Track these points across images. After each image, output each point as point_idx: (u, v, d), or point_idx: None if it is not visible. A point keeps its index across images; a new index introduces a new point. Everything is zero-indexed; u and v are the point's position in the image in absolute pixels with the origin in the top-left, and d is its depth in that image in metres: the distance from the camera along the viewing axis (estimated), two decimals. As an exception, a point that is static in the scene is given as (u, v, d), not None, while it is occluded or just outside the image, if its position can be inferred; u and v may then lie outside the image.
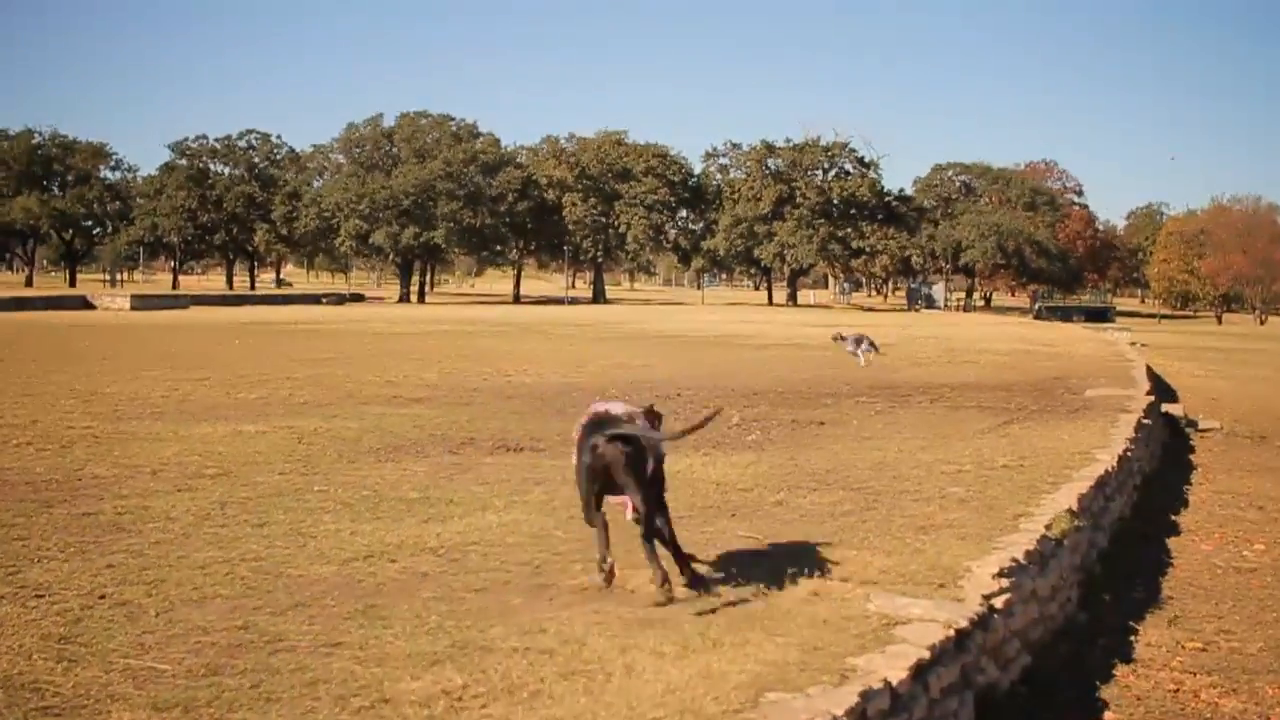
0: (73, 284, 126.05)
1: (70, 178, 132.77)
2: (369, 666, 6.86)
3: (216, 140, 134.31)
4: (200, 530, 10.23)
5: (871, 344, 33.46)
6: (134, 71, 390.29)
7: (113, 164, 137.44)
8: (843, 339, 34.60)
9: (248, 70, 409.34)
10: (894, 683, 6.87)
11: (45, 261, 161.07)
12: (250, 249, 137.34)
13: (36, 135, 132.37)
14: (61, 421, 16.97)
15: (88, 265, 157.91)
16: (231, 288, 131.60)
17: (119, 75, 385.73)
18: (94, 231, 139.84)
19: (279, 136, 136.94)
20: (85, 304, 73.98)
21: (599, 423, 8.73)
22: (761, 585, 8.64)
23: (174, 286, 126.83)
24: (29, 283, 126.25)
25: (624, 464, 8.47)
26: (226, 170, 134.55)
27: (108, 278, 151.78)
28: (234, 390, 21.92)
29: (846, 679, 6.77)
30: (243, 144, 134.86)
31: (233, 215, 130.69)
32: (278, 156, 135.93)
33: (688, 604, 8.22)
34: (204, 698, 6.35)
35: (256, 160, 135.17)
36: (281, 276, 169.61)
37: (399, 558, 9.41)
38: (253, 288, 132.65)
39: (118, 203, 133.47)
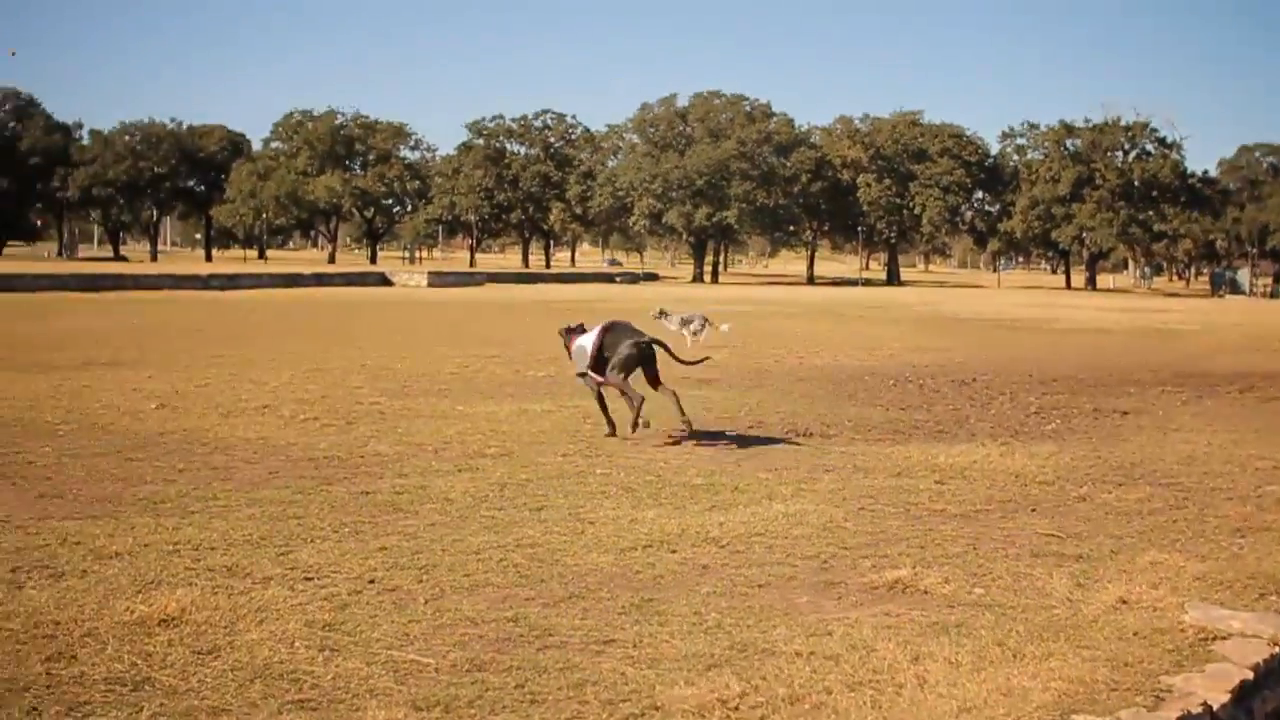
0: (373, 261, 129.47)
1: (371, 157, 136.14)
2: (641, 668, 6.40)
3: (513, 120, 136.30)
4: (477, 513, 9.93)
5: (705, 322, 29.09)
6: (432, 55, 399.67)
7: (412, 144, 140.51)
8: (665, 315, 29.73)
9: (542, 52, 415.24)
10: (1214, 707, 6.15)
11: (348, 239, 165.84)
12: (545, 227, 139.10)
13: (339, 116, 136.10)
14: (349, 397, 17.01)
15: (388, 243, 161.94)
16: (527, 265, 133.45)
17: (419, 59, 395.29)
18: (394, 210, 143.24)
19: (574, 117, 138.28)
20: (384, 281, 75.66)
21: (628, 328, 14.63)
22: (1064, 590, 7.95)
23: (471, 264, 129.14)
24: (332, 259, 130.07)
25: (654, 356, 14.40)
26: (522, 150, 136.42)
27: (407, 255, 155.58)
28: (523, 368, 21.85)
29: (1161, 701, 6.09)
30: (538, 124, 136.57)
31: (528, 194, 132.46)
32: (573, 136, 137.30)
33: (986, 609, 7.57)
34: (466, 696, 5.96)
35: (552, 140, 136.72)
36: (613, 258, 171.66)
37: (679, 548, 8.94)
38: (547, 266, 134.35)
39: (417, 181, 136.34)
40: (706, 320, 29.46)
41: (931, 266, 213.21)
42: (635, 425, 13.96)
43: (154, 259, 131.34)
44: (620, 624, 7.13)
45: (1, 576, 7.65)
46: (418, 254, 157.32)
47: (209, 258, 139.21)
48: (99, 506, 9.80)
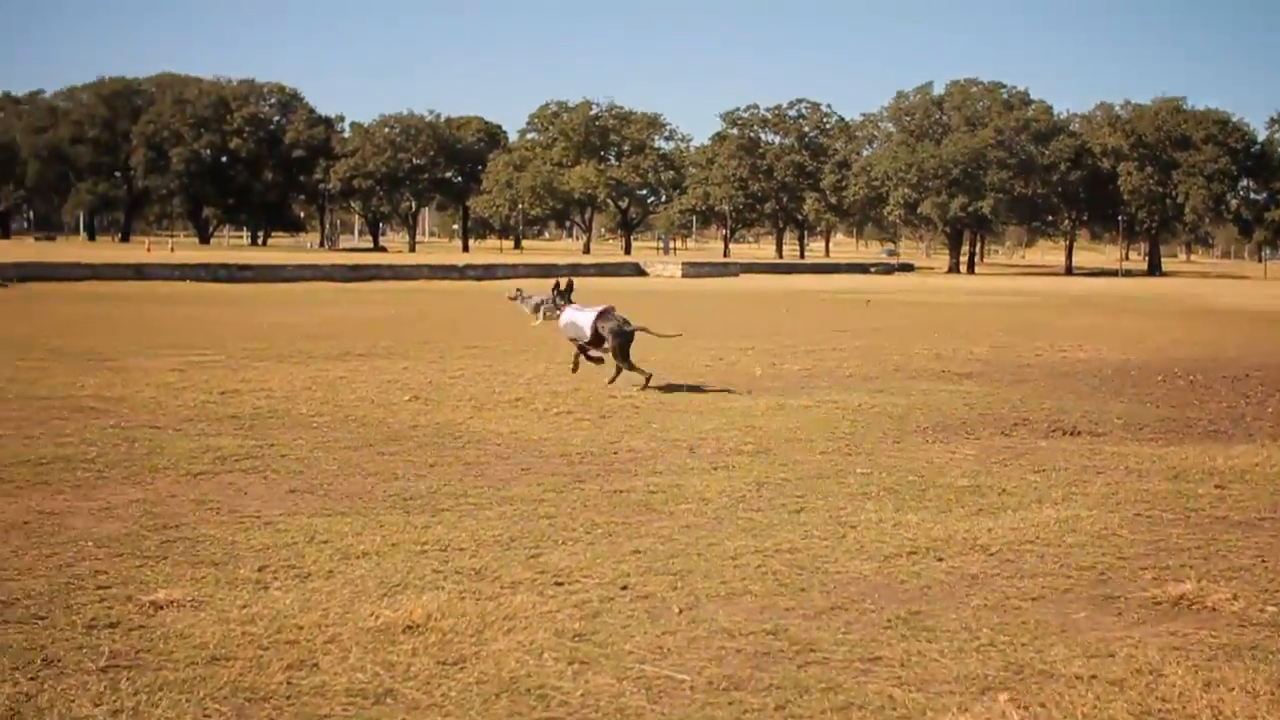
0: (628, 251, 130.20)
1: (626, 148, 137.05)
2: (909, 690, 5.91)
3: (767, 110, 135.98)
4: (734, 514, 9.52)
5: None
6: (686, 44, 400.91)
7: (666, 134, 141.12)
8: (523, 298, 30.17)
9: (795, 41, 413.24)
10: None
11: (602, 229, 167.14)
12: (800, 217, 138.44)
13: (594, 107, 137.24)
14: (603, 391, 16.75)
15: (642, 233, 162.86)
16: (781, 256, 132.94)
17: (673, 49, 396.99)
18: (648, 200, 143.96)
19: (828, 106, 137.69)
20: (638, 271, 75.93)
21: (610, 312, 17.49)
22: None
23: (725, 254, 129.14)
24: (586, 249, 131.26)
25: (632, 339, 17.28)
26: (777, 139, 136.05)
27: (661, 245, 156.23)
28: (778, 361, 21.42)
29: None
30: (793, 113, 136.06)
31: (782, 184, 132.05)
32: (827, 125, 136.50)
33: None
34: (722, 718, 5.56)
35: (806, 129, 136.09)
36: (892, 247, 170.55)
37: (946, 555, 8.41)
38: (801, 256, 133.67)
39: (671, 172, 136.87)
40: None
41: (1193, 257, 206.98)
42: (646, 384, 17.07)
43: (412, 249, 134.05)
44: (886, 639, 6.66)
45: (248, 576, 7.48)
46: (672, 244, 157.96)
47: (465, 248, 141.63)
48: (348, 503, 9.64)
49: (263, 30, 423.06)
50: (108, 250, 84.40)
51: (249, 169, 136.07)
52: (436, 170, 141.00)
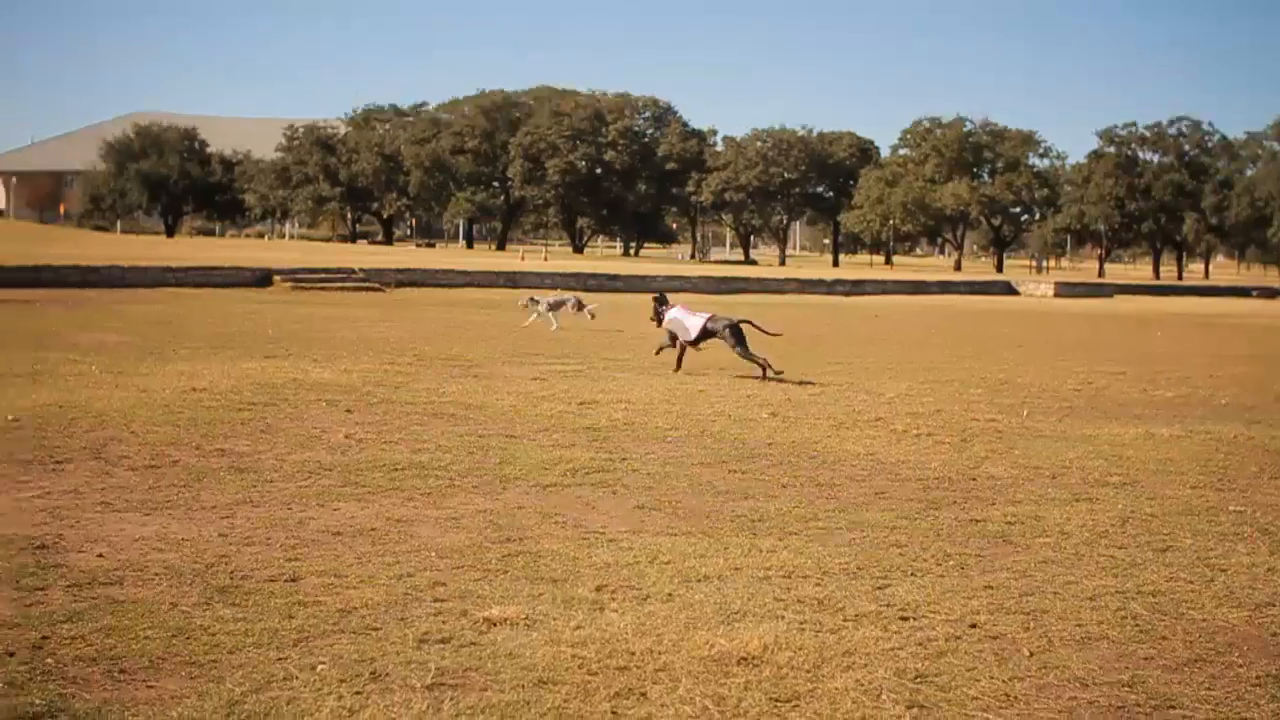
0: (999, 269, 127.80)
1: (999, 164, 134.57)
2: (1284, 759, 5.40)
3: (1146, 128, 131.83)
4: (1094, 550, 9.01)
5: (577, 304, 30.48)
6: (1061, 61, 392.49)
7: (1041, 151, 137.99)
8: (534, 302, 30.18)
9: (1174, 54, 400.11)
10: None
11: (974, 246, 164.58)
12: (1178, 239, 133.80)
13: (968, 123, 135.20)
14: (965, 412, 16.27)
15: (1014, 251, 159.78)
16: (1158, 277, 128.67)
17: (1046, 67, 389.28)
18: (1021, 218, 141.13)
19: (1210, 124, 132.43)
20: (1009, 290, 74.41)
21: (714, 315, 20.51)
22: None
23: (1099, 274, 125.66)
24: (958, 267, 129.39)
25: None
26: (1155, 158, 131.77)
27: (1034, 264, 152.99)
28: (1150, 387, 20.50)
29: None
30: (1173, 131, 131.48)
31: (1160, 204, 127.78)
32: (1209, 144, 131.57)
33: None
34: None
35: (1186, 148, 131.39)
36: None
37: (1328, 607, 7.76)
38: (1180, 278, 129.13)
39: (1045, 189, 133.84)
40: (580, 302, 30.75)
41: None
42: (765, 373, 19.50)
43: (782, 263, 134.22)
44: (1254, 698, 6.13)
45: (585, 595, 7.36)
46: (1045, 263, 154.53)
47: (836, 262, 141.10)
48: (695, 522, 9.47)
49: (637, 44, 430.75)
50: (484, 258, 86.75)
51: (623, 181, 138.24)
52: (808, 184, 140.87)
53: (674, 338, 20.48)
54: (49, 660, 5.94)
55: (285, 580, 7.40)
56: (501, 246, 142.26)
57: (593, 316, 30.44)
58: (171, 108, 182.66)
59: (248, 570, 7.58)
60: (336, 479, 10.47)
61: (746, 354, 19.71)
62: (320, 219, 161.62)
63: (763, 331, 20.56)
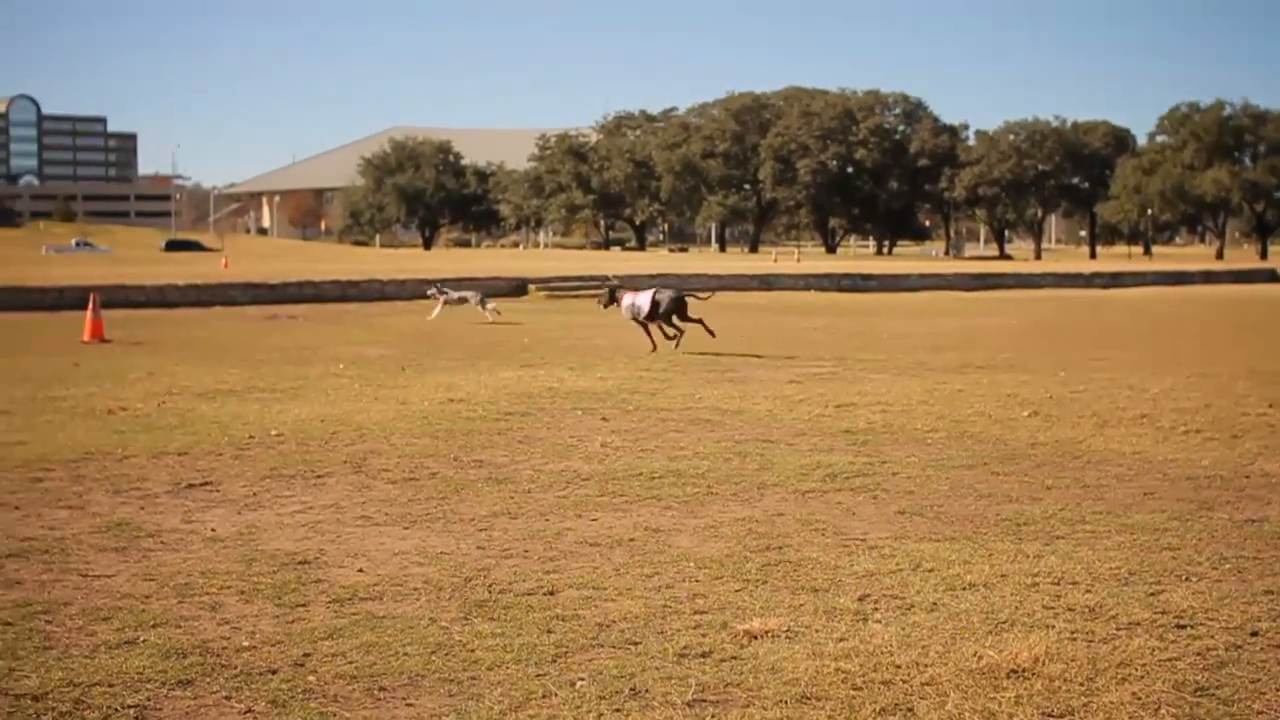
0: (1264, 257, 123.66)
1: (1262, 148, 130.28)
2: None
3: None
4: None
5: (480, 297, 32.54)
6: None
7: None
8: (442, 291, 32.92)
9: None
10: None
11: (1236, 234, 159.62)
12: None
13: (1228, 107, 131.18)
14: (1235, 407, 15.65)
15: (1278, 238, 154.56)
16: None
17: None
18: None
19: None
20: (1273, 278, 71.93)
21: (664, 288, 23.73)
22: None
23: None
24: (1220, 255, 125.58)
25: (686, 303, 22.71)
26: None
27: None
28: None
29: None
30: None
31: None
32: None
33: None
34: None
35: None
36: None
37: None
38: None
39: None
40: (481, 297, 32.57)
41: None
42: (677, 344, 22.54)
43: (1038, 257, 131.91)
44: None
45: (848, 605, 7.18)
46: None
47: (1093, 255, 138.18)
48: (958, 527, 9.22)
49: (886, 41, 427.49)
50: (737, 261, 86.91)
51: (874, 179, 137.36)
52: (1063, 176, 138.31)
53: (641, 324, 23.24)
54: (310, 678, 5.98)
55: (543, 593, 7.38)
56: (754, 249, 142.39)
57: (498, 314, 31.85)
58: (427, 122, 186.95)
59: (506, 584, 7.57)
60: (593, 489, 10.46)
61: (669, 323, 22.78)
62: (573, 227, 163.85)
63: (698, 298, 23.68)
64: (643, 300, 22.99)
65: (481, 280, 45.45)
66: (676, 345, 22.54)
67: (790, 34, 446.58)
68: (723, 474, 11.14)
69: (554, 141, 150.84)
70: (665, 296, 22.87)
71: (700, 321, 22.83)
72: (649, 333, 23.05)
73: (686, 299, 23.10)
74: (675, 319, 22.81)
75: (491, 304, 32.60)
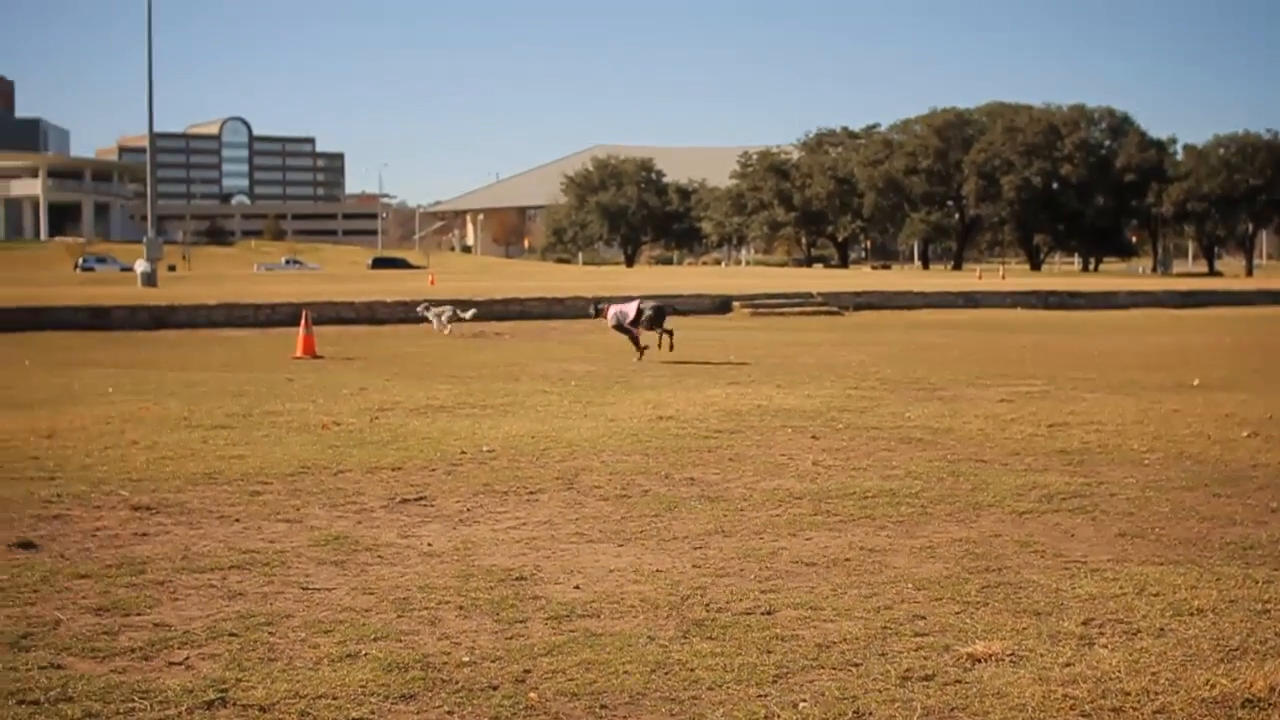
0: None
1: None
2: None
3: None
4: None
5: (454, 312, 34.20)
6: None
7: None
8: (429, 308, 34.73)
9: None
10: None
11: None
12: None
13: None
14: None
15: None
16: None
17: None
18: None
19: None
20: None
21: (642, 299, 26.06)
22: None
23: None
24: None
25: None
26: None
27: None
28: None
29: None
30: None
31: None
32: None
33: None
34: None
35: None
36: None
37: None
38: None
39: None
40: (456, 312, 34.21)
41: None
42: (641, 356, 24.60)
43: (1249, 274, 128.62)
44: None
45: (1071, 630, 7.01)
46: None
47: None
48: (1181, 550, 8.97)
49: (1091, 55, 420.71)
50: (940, 278, 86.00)
51: (1079, 195, 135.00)
52: (1275, 190, 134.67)
53: (626, 331, 25.36)
54: (532, 694, 5.98)
55: (761, 613, 7.31)
56: (958, 266, 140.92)
57: (471, 318, 34.10)
58: (629, 140, 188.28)
59: (723, 603, 7.52)
60: (807, 507, 10.37)
61: (650, 329, 25.07)
62: (775, 244, 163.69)
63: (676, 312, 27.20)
64: (629, 308, 25.35)
65: (686, 297, 45.63)
66: (639, 358, 24.63)
67: (993, 50, 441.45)
68: (937, 494, 10.98)
69: (756, 159, 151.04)
70: (649, 305, 25.37)
71: (670, 333, 25.08)
72: (635, 340, 25.19)
73: (667, 311, 25.76)
74: (656, 327, 25.10)
75: (452, 319, 34.40)
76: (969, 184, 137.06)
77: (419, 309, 35.31)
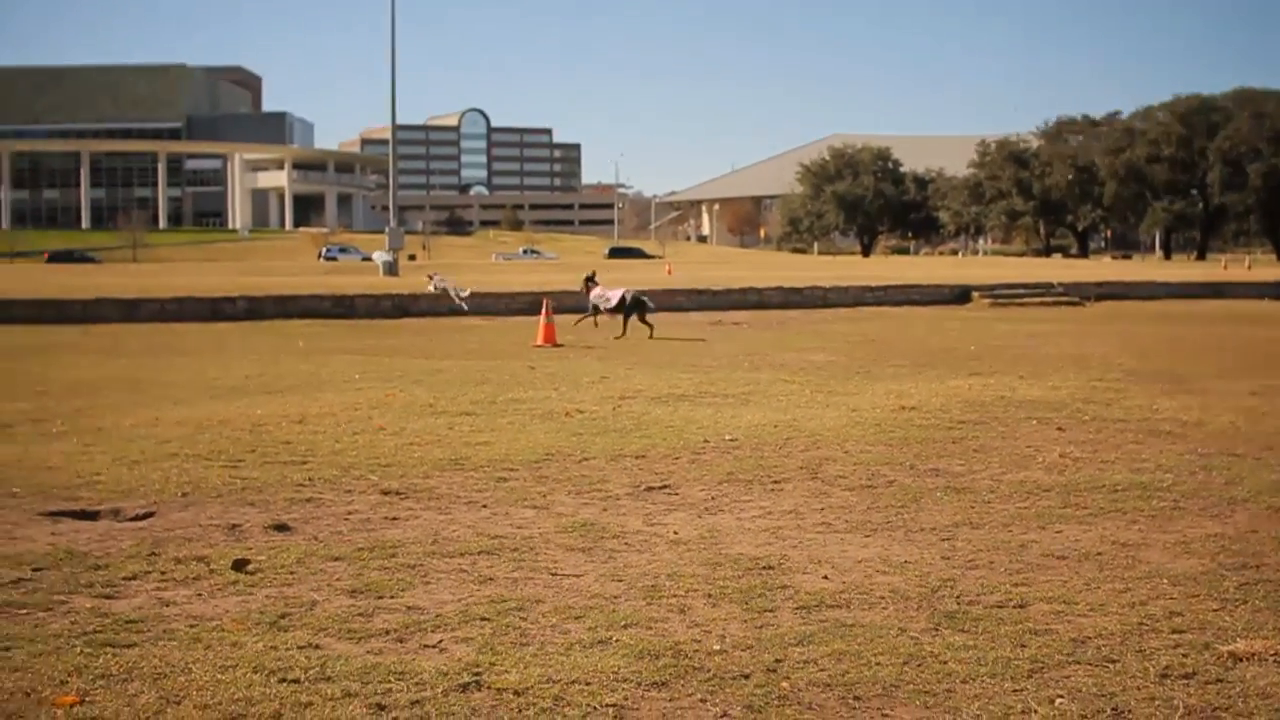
0: None
1: None
2: None
3: None
4: None
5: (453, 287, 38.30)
6: None
7: None
8: (433, 280, 39.49)
9: None
10: None
11: None
12: None
13: None
14: None
15: None
16: None
17: None
18: None
19: None
20: None
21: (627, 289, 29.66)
22: None
23: None
24: None
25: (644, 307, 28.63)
26: None
27: None
28: None
29: None
30: None
31: None
32: None
33: None
34: None
35: None
36: None
37: None
38: None
39: None
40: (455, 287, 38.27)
41: None
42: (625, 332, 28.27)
43: None
44: None
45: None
46: None
47: None
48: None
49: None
50: (1183, 269, 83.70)
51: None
52: None
53: (596, 309, 29.52)
54: (784, 684, 5.97)
55: (1013, 606, 7.19)
56: (1201, 256, 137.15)
57: (461, 298, 37.11)
58: (865, 129, 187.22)
59: (973, 595, 7.43)
60: (1055, 500, 10.19)
61: (635, 317, 28.58)
62: (1013, 234, 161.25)
63: (648, 308, 28.83)
64: (613, 294, 29.04)
65: (924, 287, 45.22)
66: (620, 336, 28.11)
67: (1239, 35, 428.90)
68: (1189, 488, 10.69)
69: (994, 147, 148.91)
70: (630, 295, 28.80)
71: (650, 325, 28.39)
72: (591, 318, 29.79)
73: (646, 301, 28.79)
74: (636, 316, 28.51)
75: (465, 292, 37.93)
76: (1214, 172, 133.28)
77: (433, 282, 39.24)
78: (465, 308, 36.57)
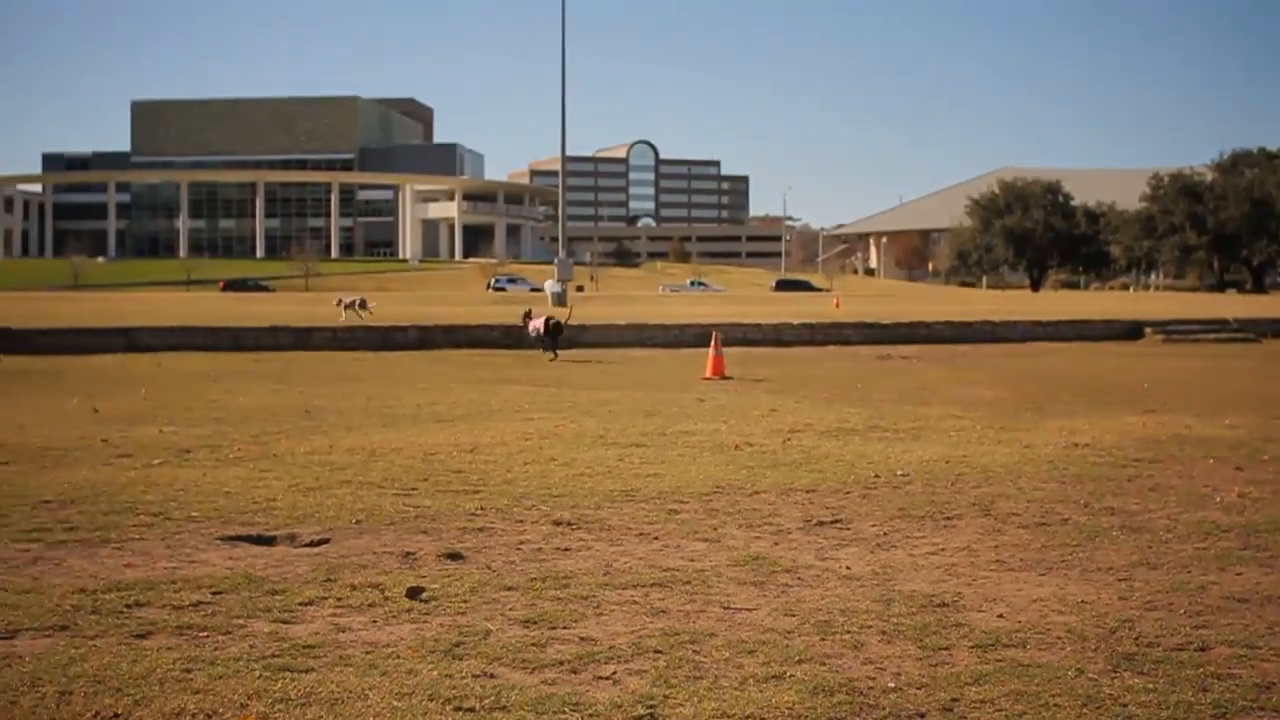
0: None
1: None
2: None
3: None
4: None
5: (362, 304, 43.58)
6: None
7: None
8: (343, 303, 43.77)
9: None
10: None
11: None
12: None
13: None
14: None
15: None
16: None
17: None
18: None
19: None
20: None
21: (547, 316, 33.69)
22: None
23: None
24: None
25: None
26: None
27: None
28: None
29: None
30: None
31: None
32: None
33: None
34: None
35: None
36: None
37: None
38: None
39: None
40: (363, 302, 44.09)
41: None
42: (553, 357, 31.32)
43: None
44: None
45: None
46: None
47: None
48: None
49: None
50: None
51: None
52: None
53: (539, 340, 32.20)
54: (961, 725, 5.94)
55: (1194, 649, 7.06)
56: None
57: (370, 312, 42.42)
58: (1035, 162, 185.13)
59: (1153, 637, 7.30)
60: (1235, 541, 9.97)
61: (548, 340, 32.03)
62: (1186, 269, 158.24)
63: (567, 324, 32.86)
64: (538, 323, 32.44)
65: (1095, 322, 44.63)
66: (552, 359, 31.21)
67: None
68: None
69: (1167, 181, 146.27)
70: (550, 322, 32.42)
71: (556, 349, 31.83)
72: (550, 347, 31.96)
73: (561, 324, 32.36)
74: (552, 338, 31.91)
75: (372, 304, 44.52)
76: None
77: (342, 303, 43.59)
78: (365, 315, 41.74)
